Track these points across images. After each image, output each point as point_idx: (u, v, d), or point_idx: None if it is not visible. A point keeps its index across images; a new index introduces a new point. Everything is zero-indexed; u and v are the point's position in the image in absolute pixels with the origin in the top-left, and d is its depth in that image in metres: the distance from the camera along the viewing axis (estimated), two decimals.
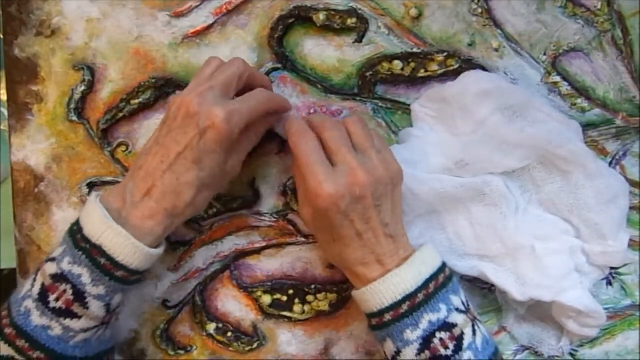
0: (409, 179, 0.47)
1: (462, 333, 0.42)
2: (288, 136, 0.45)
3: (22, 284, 0.44)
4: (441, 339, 0.42)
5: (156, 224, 0.43)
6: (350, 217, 0.42)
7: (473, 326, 0.43)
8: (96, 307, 0.42)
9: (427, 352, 0.42)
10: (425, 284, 0.42)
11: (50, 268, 0.42)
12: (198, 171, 0.43)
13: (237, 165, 0.46)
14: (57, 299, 0.41)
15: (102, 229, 0.41)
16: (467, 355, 0.42)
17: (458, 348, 0.42)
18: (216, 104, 0.42)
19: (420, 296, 0.42)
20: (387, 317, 0.42)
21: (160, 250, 0.44)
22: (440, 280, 0.43)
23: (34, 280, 0.43)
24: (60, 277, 0.41)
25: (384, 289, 0.42)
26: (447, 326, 0.42)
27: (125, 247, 0.41)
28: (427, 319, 0.42)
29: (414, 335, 0.42)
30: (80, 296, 0.41)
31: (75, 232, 0.42)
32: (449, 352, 0.42)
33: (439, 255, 0.45)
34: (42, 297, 0.42)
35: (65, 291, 0.41)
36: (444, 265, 0.44)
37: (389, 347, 0.43)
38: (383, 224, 0.43)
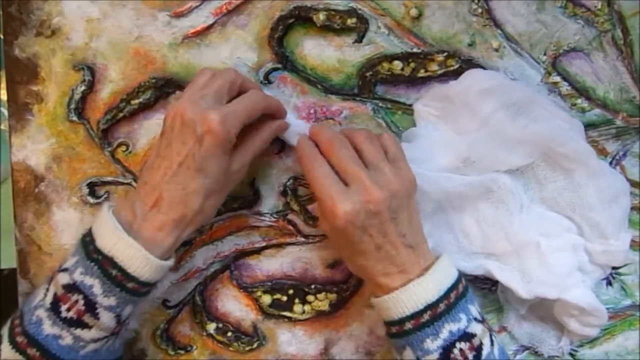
0: (418, 177, 0.46)
1: (481, 343, 0.42)
2: (299, 160, 0.46)
3: (34, 292, 0.44)
4: (461, 349, 0.42)
5: (166, 235, 0.43)
6: (368, 233, 0.43)
7: (490, 336, 0.43)
8: (107, 318, 0.42)
9: None
10: (446, 294, 0.42)
11: (63, 278, 0.42)
12: (203, 178, 0.43)
13: (242, 169, 0.46)
14: (68, 309, 0.42)
15: (113, 240, 0.42)
16: None
17: (477, 359, 0.42)
18: (210, 109, 0.42)
19: (442, 306, 0.42)
20: (408, 325, 0.42)
21: (170, 262, 0.45)
22: (460, 290, 0.43)
23: (47, 289, 0.43)
24: (72, 288, 0.42)
25: (406, 298, 0.42)
26: (466, 336, 0.42)
27: (136, 258, 0.42)
28: (448, 328, 0.42)
29: (434, 344, 0.42)
30: (91, 307, 0.42)
31: (88, 243, 0.43)
32: None
33: (454, 265, 0.45)
34: (54, 307, 0.42)
35: (76, 301, 0.42)
36: (461, 275, 0.45)
37: (408, 355, 0.43)
38: (401, 235, 0.43)
